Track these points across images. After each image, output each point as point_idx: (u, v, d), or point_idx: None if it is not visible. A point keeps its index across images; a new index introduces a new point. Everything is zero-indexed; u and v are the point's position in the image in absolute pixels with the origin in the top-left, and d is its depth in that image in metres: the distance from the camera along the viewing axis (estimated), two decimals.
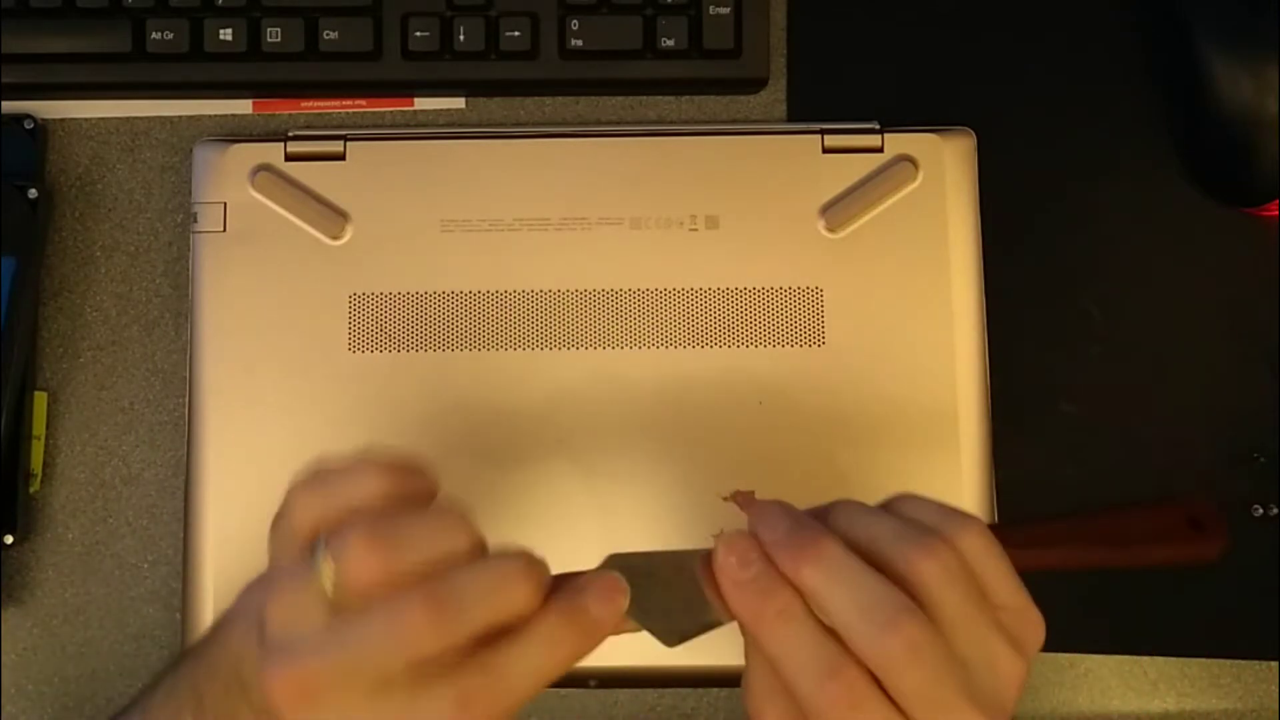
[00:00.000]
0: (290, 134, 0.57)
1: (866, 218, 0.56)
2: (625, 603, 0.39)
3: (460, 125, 0.60)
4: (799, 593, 0.37)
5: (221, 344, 0.56)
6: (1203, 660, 0.57)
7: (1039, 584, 0.56)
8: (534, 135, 0.58)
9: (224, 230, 0.56)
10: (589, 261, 0.56)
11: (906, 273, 0.56)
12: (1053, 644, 0.57)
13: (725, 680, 0.55)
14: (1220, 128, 0.56)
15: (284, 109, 0.60)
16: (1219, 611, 0.57)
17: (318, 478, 0.38)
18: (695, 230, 0.56)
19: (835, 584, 0.37)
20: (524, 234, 0.56)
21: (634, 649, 0.54)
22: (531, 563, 0.38)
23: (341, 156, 0.57)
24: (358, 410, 0.55)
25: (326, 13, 0.57)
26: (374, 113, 0.60)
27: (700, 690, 0.56)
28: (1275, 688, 0.57)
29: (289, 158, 0.57)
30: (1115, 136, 0.59)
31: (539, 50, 0.58)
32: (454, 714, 0.35)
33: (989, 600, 0.37)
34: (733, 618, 0.39)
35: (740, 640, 0.54)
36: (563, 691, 0.56)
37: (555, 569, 0.54)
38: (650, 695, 0.57)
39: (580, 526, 0.55)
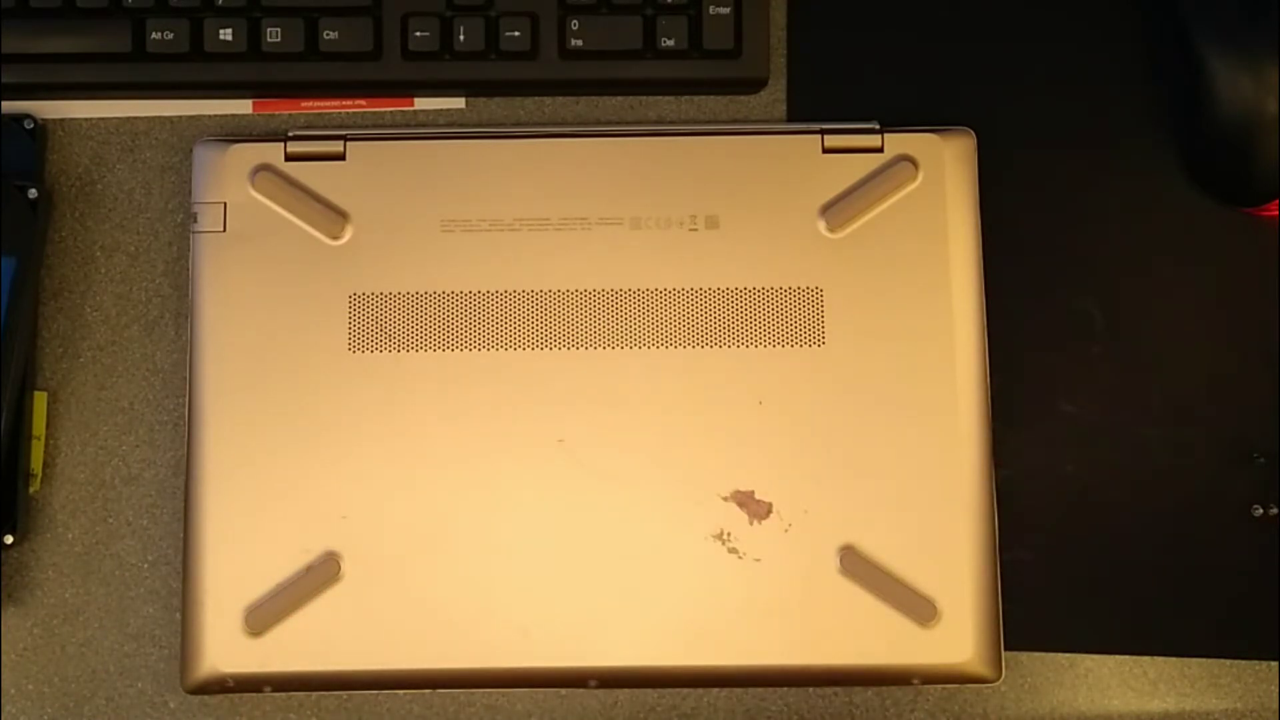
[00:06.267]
0: (290, 134, 0.57)
1: (866, 218, 0.56)
2: None
3: (460, 125, 0.60)
4: None
5: (221, 344, 0.56)
6: (1203, 660, 0.57)
7: (1040, 583, 0.57)
8: (534, 135, 0.58)
9: (224, 230, 0.56)
10: (589, 261, 0.56)
11: (906, 273, 0.56)
12: (1053, 644, 0.57)
13: (725, 680, 0.55)
14: (1220, 128, 0.56)
15: (284, 109, 0.60)
16: (1219, 611, 0.57)
17: None
18: (695, 230, 0.56)
19: None
20: (524, 234, 0.56)
21: (634, 649, 0.54)
22: None
23: (341, 156, 0.57)
24: (358, 410, 0.55)
25: (326, 13, 0.57)
26: (374, 113, 0.60)
27: (700, 690, 0.56)
28: (1275, 688, 0.57)
29: (289, 158, 0.57)
30: (1115, 136, 0.59)
31: (539, 50, 0.58)
32: None
33: None
34: None
35: (740, 640, 0.54)
36: (563, 691, 0.56)
37: (553, 569, 0.54)
38: (650, 695, 0.57)
39: (580, 527, 0.55)
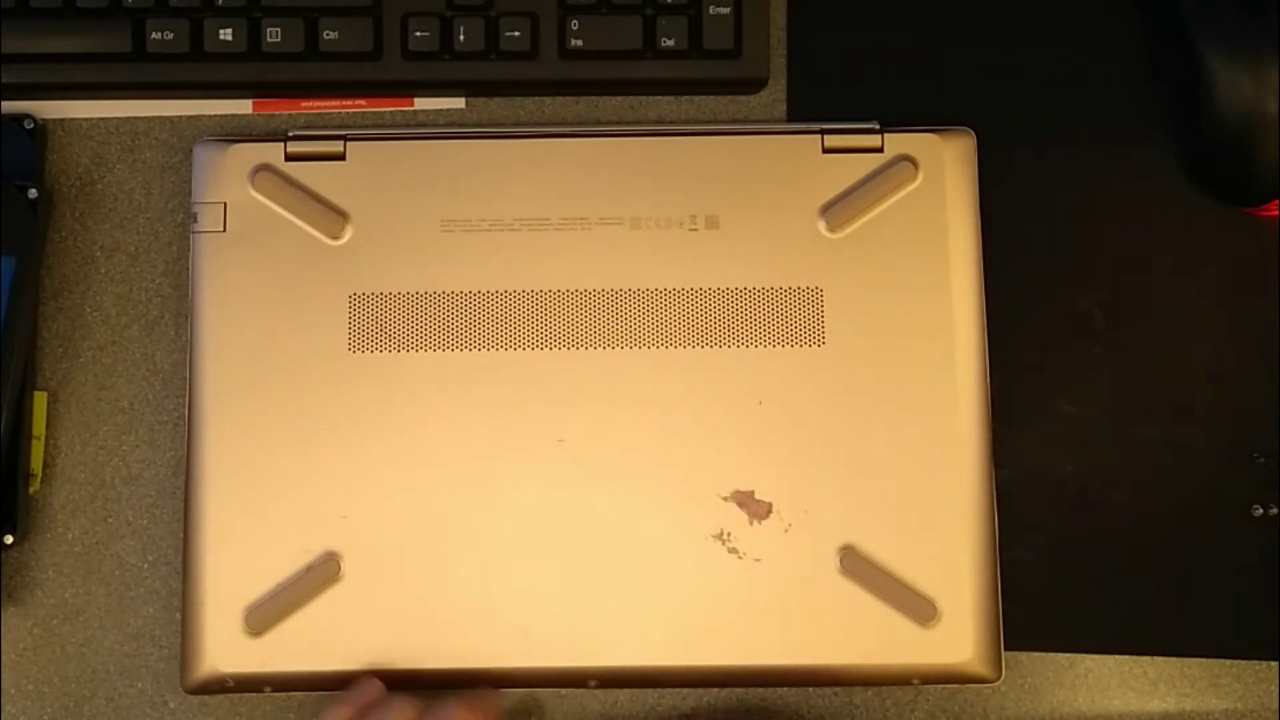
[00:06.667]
0: (290, 134, 0.57)
1: (866, 218, 0.56)
2: None
3: (460, 125, 0.60)
4: None
5: (221, 344, 0.56)
6: (1203, 660, 0.57)
7: (1040, 583, 0.57)
8: (534, 135, 0.58)
9: (224, 230, 0.56)
10: (589, 261, 0.56)
11: (906, 273, 0.56)
12: (1053, 644, 0.57)
13: (725, 680, 0.55)
14: (1220, 128, 0.56)
15: (284, 109, 0.60)
16: (1219, 611, 0.57)
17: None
18: (695, 230, 0.56)
19: None
20: (524, 234, 0.56)
21: (634, 649, 0.54)
22: None
23: (341, 156, 0.57)
24: (358, 410, 0.55)
25: (326, 13, 0.57)
26: (374, 113, 0.60)
27: (700, 690, 0.56)
28: (1275, 688, 0.57)
29: (289, 158, 0.57)
30: (1115, 136, 0.59)
31: (539, 50, 0.58)
32: None
33: None
34: None
35: (740, 640, 0.54)
36: (563, 692, 0.56)
37: (553, 569, 0.54)
38: (650, 695, 0.57)
39: (580, 527, 0.55)
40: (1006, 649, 0.55)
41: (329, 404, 0.55)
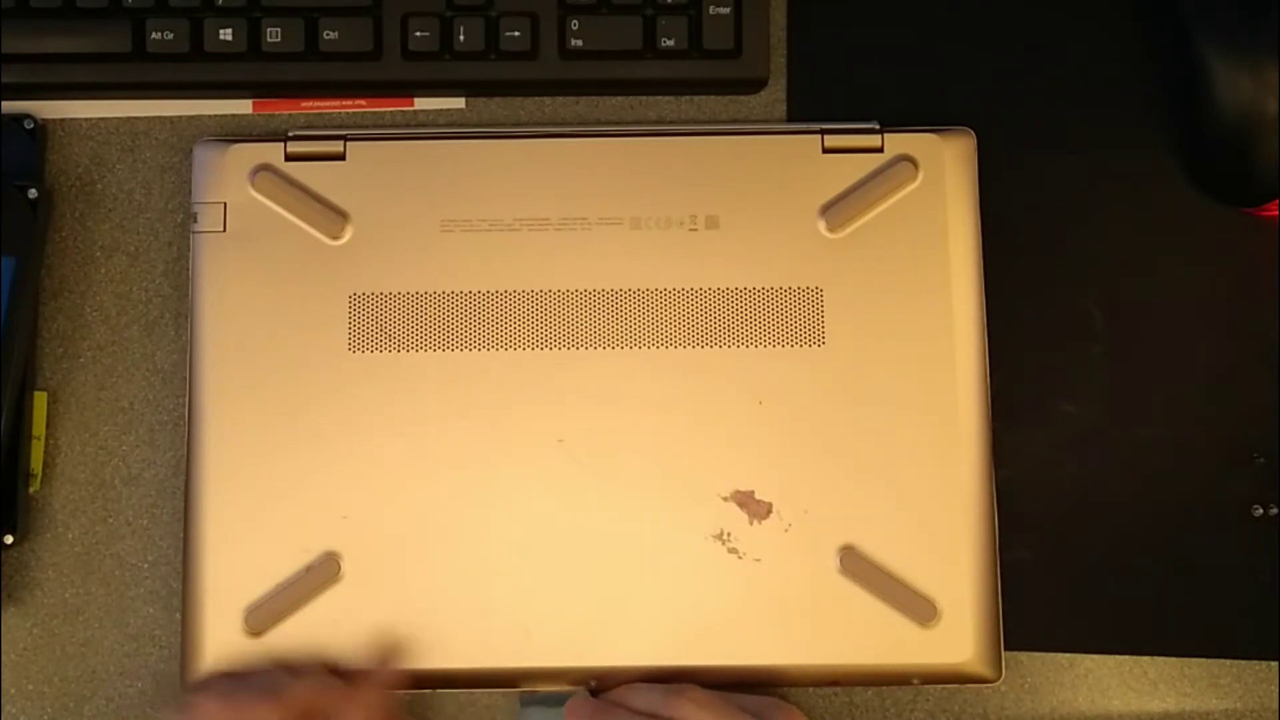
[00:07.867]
0: (290, 134, 0.57)
1: (866, 218, 0.56)
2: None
3: (460, 125, 0.60)
4: None
5: (221, 344, 0.56)
6: (1203, 660, 0.57)
7: (1040, 583, 0.57)
8: (534, 135, 0.58)
9: (224, 230, 0.56)
10: (589, 261, 0.56)
11: (906, 273, 0.56)
12: (1053, 644, 0.57)
13: (725, 680, 0.55)
14: (1220, 128, 0.56)
15: (284, 109, 0.60)
16: (1219, 611, 0.57)
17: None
18: (695, 230, 0.56)
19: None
20: (524, 234, 0.56)
21: (634, 649, 0.54)
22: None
23: (341, 156, 0.57)
24: (358, 410, 0.55)
25: (326, 13, 0.57)
26: (374, 113, 0.60)
27: None
28: (1275, 688, 0.57)
29: (289, 158, 0.57)
30: (1115, 136, 0.59)
31: (539, 50, 0.58)
32: None
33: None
34: None
35: (740, 640, 0.54)
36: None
37: (553, 569, 0.54)
38: None
39: (580, 527, 0.55)
40: (1006, 649, 0.55)
41: (329, 404, 0.55)
